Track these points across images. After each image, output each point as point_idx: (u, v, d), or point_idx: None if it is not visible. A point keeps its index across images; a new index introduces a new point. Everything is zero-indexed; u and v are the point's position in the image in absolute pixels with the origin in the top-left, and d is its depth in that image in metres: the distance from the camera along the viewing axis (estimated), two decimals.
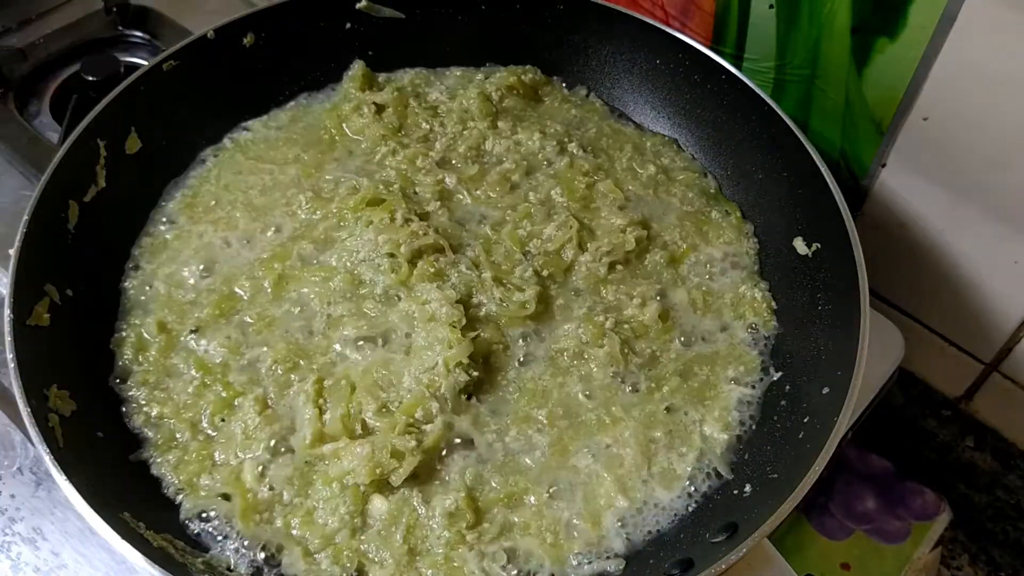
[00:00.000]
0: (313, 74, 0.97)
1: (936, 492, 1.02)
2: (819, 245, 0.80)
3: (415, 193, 0.87)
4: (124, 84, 0.85)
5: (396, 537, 0.67)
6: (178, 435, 0.72)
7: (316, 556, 0.66)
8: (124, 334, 0.78)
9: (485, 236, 0.84)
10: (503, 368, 0.76)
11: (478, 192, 0.88)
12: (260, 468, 0.70)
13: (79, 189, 0.80)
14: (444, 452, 0.71)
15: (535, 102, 0.98)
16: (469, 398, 0.73)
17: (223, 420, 0.72)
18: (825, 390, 0.71)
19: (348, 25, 0.97)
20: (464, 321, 0.75)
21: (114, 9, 1.16)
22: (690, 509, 0.71)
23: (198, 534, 0.68)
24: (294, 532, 0.67)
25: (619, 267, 0.83)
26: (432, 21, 0.98)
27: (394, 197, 0.84)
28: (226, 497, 0.69)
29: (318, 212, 0.85)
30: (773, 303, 0.82)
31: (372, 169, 0.89)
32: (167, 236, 0.84)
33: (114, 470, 0.69)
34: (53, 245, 0.76)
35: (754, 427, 0.75)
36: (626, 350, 0.77)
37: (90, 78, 1.06)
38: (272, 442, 0.71)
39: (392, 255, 0.80)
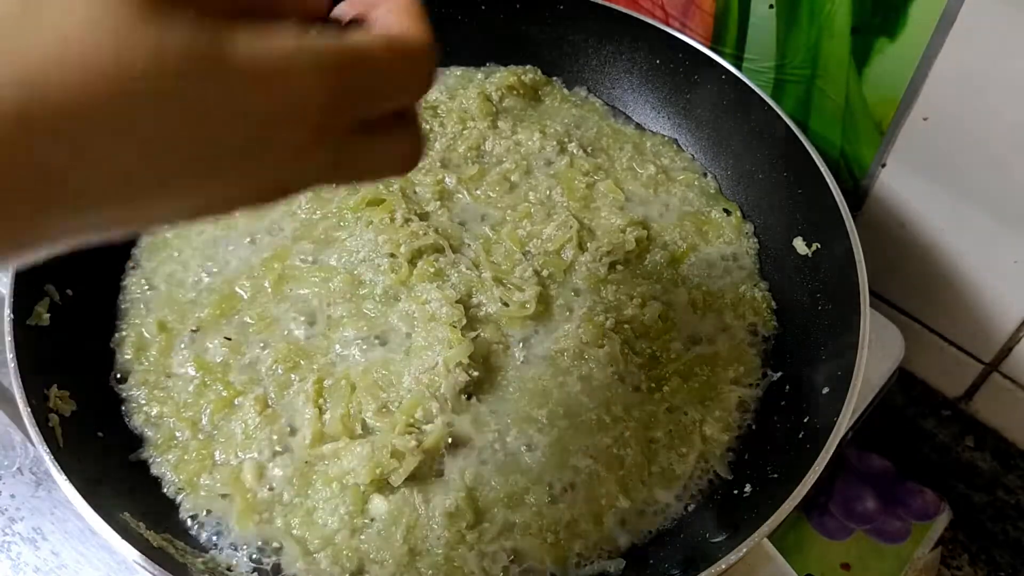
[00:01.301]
0: None
1: (936, 492, 1.02)
2: (819, 245, 0.80)
3: (415, 193, 0.87)
4: None
5: (396, 537, 0.67)
6: (178, 434, 0.72)
7: (316, 556, 0.66)
8: (124, 333, 0.78)
9: (485, 236, 0.84)
10: (503, 368, 0.76)
11: (478, 192, 0.88)
12: (260, 468, 0.70)
13: None
14: (444, 452, 0.71)
15: (535, 102, 0.98)
16: (469, 398, 0.73)
17: (223, 419, 0.72)
18: (825, 390, 0.71)
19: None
20: (464, 321, 0.75)
21: None
22: (690, 509, 0.71)
23: (198, 534, 0.68)
24: (294, 532, 0.67)
25: (619, 267, 0.83)
26: (432, 21, 0.98)
27: (394, 197, 0.84)
28: (226, 497, 0.69)
29: (318, 212, 0.85)
30: (773, 303, 0.83)
31: None
32: (167, 235, 0.84)
33: (114, 470, 0.69)
34: None
35: (754, 427, 0.75)
36: (626, 350, 0.77)
37: None
38: (272, 442, 0.71)
39: (392, 255, 0.80)
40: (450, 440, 0.71)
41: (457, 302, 0.76)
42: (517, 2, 0.97)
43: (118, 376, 0.75)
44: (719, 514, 0.69)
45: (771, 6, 0.85)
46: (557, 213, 0.85)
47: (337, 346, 0.76)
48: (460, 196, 0.88)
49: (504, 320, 0.78)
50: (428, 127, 0.93)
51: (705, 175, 0.93)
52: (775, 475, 0.68)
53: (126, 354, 0.76)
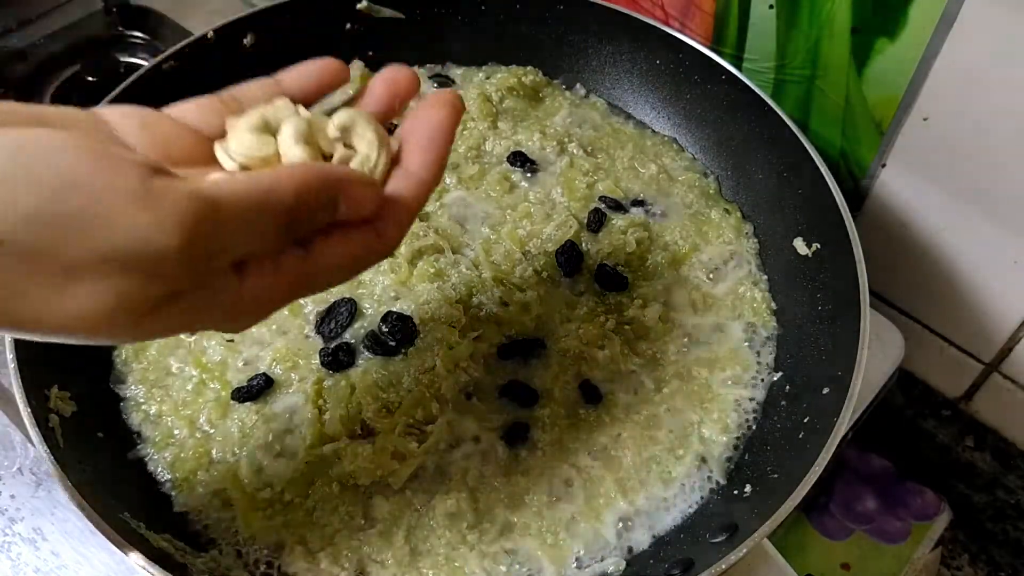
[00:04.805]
0: None
1: (936, 492, 1.02)
2: (819, 245, 0.80)
3: None
4: (124, 84, 0.85)
5: (397, 537, 0.67)
6: (176, 432, 0.72)
7: (316, 556, 0.66)
8: None
9: (485, 236, 0.84)
10: (503, 368, 0.76)
11: (478, 192, 0.88)
12: (259, 467, 0.70)
13: None
14: (445, 452, 0.71)
15: (535, 102, 0.98)
16: (469, 398, 0.73)
17: (221, 419, 0.72)
18: (825, 390, 0.71)
19: (348, 25, 0.97)
20: (464, 321, 0.75)
21: (114, 9, 1.16)
22: (690, 509, 0.71)
23: (198, 534, 0.68)
24: (294, 532, 0.67)
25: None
26: (432, 21, 0.98)
27: None
28: (225, 496, 0.69)
29: None
30: (773, 303, 0.82)
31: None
32: None
33: (114, 470, 0.69)
34: None
35: (754, 427, 0.75)
36: (626, 351, 0.77)
37: (90, 78, 1.06)
38: (271, 442, 0.71)
39: (392, 255, 0.79)
40: (451, 440, 0.71)
41: (457, 302, 0.76)
42: (517, 2, 0.97)
43: (117, 375, 0.75)
44: (719, 514, 0.69)
45: (771, 6, 0.85)
46: (557, 213, 0.85)
47: None
48: (460, 196, 0.88)
49: (504, 320, 0.78)
50: None
51: (706, 175, 0.93)
52: (775, 475, 0.68)
53: (125, 353, 0.76)
